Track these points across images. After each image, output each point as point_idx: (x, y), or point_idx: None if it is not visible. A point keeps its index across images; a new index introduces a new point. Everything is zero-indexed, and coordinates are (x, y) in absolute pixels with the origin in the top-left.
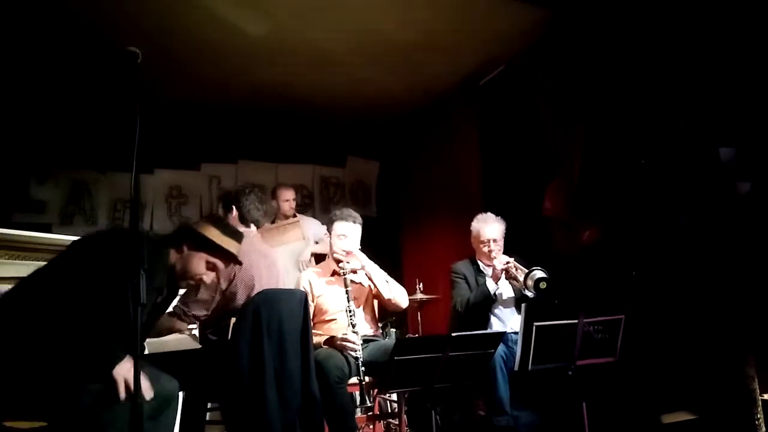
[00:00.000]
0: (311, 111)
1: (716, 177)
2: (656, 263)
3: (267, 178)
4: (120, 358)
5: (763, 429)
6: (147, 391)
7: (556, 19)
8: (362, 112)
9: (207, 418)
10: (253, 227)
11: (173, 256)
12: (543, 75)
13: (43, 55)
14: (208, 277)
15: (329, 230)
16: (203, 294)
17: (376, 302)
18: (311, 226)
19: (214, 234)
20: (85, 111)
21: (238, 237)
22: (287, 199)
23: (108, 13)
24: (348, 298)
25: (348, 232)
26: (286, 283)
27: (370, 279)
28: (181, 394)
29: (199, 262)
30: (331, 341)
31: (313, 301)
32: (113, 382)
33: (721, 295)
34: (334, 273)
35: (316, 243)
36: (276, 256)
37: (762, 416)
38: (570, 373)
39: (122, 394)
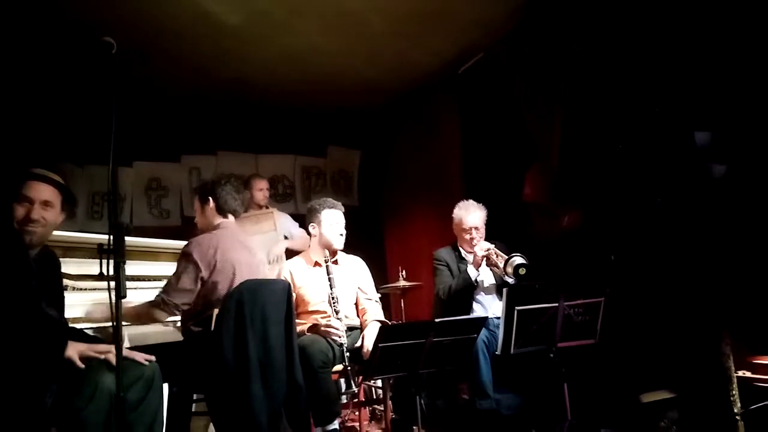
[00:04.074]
0: (291, 101)
1: (691, 160)
2: (634, 246)
3: (247, 169)
4: (65, 343)
5: (738, 405)
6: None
7: (534, 5)
8: (342, 101)
9: (193, 409)
10: (231, 217)
11: None
12: (522, 62)
13: (17, 47)
14: None
15: (315, 220)
16: (185, 283)
17: (359, 292)
18: (282, 219)
19: None
20: (61, 103)
21: None
22: (261, 188)
23: (83, 2)
24: (331, 285)
25: (340, 219)
26: (266, 273)
27: None
28: (166, 386)
29: None
30: (314, 328)
31: (294, 291)
32: (71, 366)
33: (697, 276)
34: (316, 263)
35: (286, 238)
36: (255, 245)
37: (737, 393)
38: (551, 355)
39: (80, 365)
